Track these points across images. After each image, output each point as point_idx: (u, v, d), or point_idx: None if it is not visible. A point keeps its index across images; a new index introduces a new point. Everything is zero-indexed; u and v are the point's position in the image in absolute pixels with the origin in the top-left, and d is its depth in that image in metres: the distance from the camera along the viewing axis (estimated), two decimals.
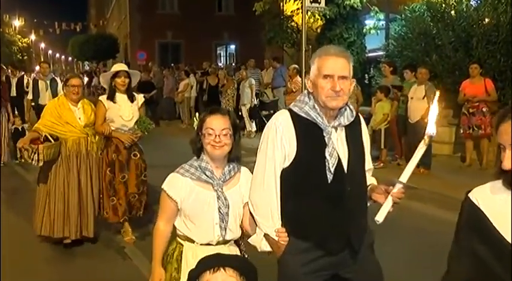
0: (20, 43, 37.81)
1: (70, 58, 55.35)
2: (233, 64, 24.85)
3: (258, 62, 16.25)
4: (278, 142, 2.26)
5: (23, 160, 4.82)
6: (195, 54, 22.75)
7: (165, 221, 2.44)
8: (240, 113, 12.48)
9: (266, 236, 2.31)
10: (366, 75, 14.07)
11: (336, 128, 2.28)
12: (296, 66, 11.07)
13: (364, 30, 13.32)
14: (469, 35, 9.17)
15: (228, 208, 2.38)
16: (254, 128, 12.42)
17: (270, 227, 2.30)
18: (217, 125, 2.35)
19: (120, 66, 5.27)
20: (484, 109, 7.98)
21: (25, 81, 11.25)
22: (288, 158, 2.26)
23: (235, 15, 25.76)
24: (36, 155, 4.58)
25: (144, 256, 4.54)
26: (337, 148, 2.26)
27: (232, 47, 28.27)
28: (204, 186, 2.38)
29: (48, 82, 9.49)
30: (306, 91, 2.36)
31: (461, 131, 8.28)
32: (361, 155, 2.38)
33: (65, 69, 49.76)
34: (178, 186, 2.38)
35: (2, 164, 8.77)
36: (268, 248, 2.33)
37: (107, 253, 4.97)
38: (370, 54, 14.01)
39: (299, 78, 10.55)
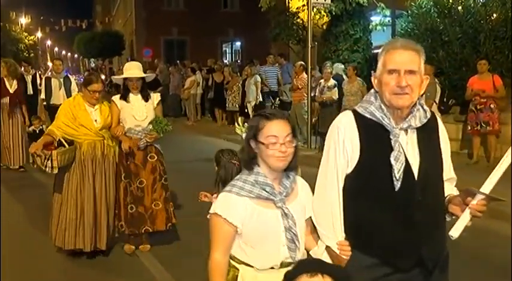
0: (26, 41, 37.95)
1: (76, 55, 55.51)
2: (238, 61, 24.86)
3: (264, 58, 16.24)
4: (341, 146, 2.05)
5: (35, 166, 4.50)
6: (200, 51, 22.76)
7: (223, 251, 2.04)
8: (245, 110, 12.47)
9: (328, 249, 2.10)
10: (372, 72, 14.01)
11: (405, 131, 2.04)
12: (302, 62, 11.03)
13: (370, 26, 13.24)
14: (476, 31, 9.10)
15: (295, 225, 2.07)
16: None
17: (332, 239, 2.09)
18: (280, 131, 2.02)
19: (132, 67, 4.89)
20: (492, 105, 7.92)
21: (38, 79, 10.79)
22: (351, 163, 2.05)
23: (241, 12, 25.72)
24: (49, 161, 4.29)
25: (163, 267, 4.43)
26: (406, 152, 2.02)
27: (238, 43, 28.25)
28: (265, 204, 2.04)
29: (61, 80, 8.96)
30: (372, 90, 2.14)
31: (469, 128, 8.23)
32: (436, 161, 2.11)
33: (70, 66, 49.90)
34: (236, 208, 2.01)
35: (22, 169, 8.53)
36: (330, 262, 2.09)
37: (122, 266, 4.59)
38: (376, 51, 13.93)
39: (305, 75, 10.51)
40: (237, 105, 12.82)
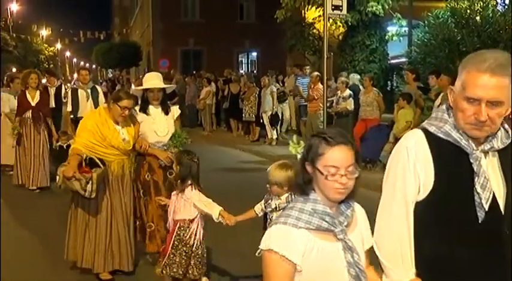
0: (46, 52, 38.64)
1: (94, 66, 56.30)
2: (254, 71, 24.94)
3: (280, 69, 16.28)
4: (411, 170, 1.82)
5: (61, 187, 4.12)
6: (216, 61, 22.88)
7: None
8: (261, 121, 12.49)
9: None
10: (388, 82, 13.96)
11: (485, 153, 1.81)
12: (318, 73, 11.02)
13: (387, 37, 13.22)
14: (495, 41, 9.03)
15: (360, 259, 1.82)
16: (275, 136, 12.40)
17: (400, 275, 1.86)
18: (342, 160, 1.75)
19: (152, 78, 4.67)
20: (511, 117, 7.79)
21: (63, 90, 10.23)
22: (423, 189, 1.81)
23: (257, 23, 25.84)
24: (90, 185, 3.96)
25: None
26: (489, 178, 1.78)
27: (254, 54, 28.36)
28: (325, 237, 1.78)
29: (88, 91, 8.20)
30: (444, 106, 1.88)
31: None
32: None
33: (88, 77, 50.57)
34: (295, 242, 1.74)
35: (38, 190, 7.71)
36: None
37: None
38: (393, 61, 13.90)
39: (321, 86, 10.48)
40: (253, 116, 12.84)
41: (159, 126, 4.52)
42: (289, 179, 3.34)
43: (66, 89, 10.07)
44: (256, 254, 1.80)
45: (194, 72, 20.18)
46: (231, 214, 3.78)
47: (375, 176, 5.23)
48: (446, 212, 1.80)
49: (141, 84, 4.85)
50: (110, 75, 37.86)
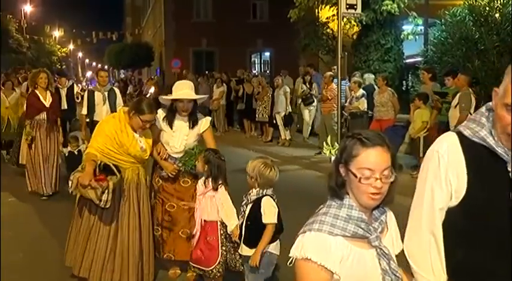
0: (59, 53, 39.06)
1: (106, 66, 56.77)
2: (267, 71, 24.93)
3: (293, 69, 16.26)
4: (442, 176, 1.76)
5: (73, 193, 3.95)
6: (229, 61, 22.94)
7: None
8: (274, 121, 12.48)
9: None
10: (404, 82, 13.85)
11: None
12: (331, 73, 10.99)
13: (402, 36, 13.12)
14: None
15: (396, 266, 1.80)
16: (289, 137, 12.40)
17: None
18: (378, 163, 1.69)
19: (183, 87, 4.31)
20: None
21: (75, 90, 10.12)
22: (455, 196, 1.76)
23: (270, 22, 25.84)
24: (106, 194, 3.81)
25: None
26: None
27: (267, 54, 28.37)
28: (360, 244, 1.74)
29: (106, 94, 7.81)
30: (483, 108, 1.81)
31: None
32: None
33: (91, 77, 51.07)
34: (331, 250, 1.69)
35: (45, 198, 7.32)
36: None
37: None
38: (408, 61, 13.79)
39: (334, 86, 10.46)
40: (266, 116, 12.85)
41: (176, 141, 4.31)
42: (256, 173, 3.46)
43: (79, 90, 9.99)
44: (288, 264, 1.74)
45: (206, 72, 20.24)
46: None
47: None
48: (480, 222, 1.74)
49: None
50: (122, 75, 38.16)
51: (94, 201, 3.83)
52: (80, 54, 56.64)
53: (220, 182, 3.91)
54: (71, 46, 44.59)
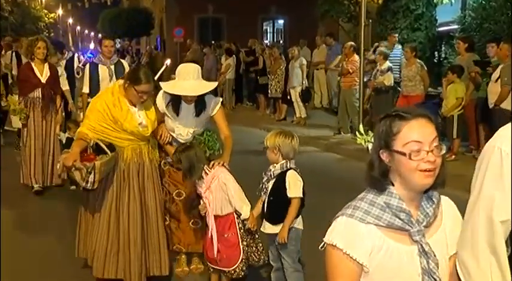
0: (46, 19, 39.03)
1: (100, 35, 56.66)
2: (281, 41, 24.82)
3: (310, 39, 16.19)
4: (506, 179, 1.63)
5: (62, 176, 3.97)
6: (238, 30, 22.82)
7: None
8: (288, 97, 12.49)
9: None
10: (436, 53, 13.74)
11: None
12: (352, 43, 10.95)
13: (435, 0, 12.97)
14: None
15: (438, 268, 1.72)
16: (305, 114, 12.42)
17: None
18: (425, 133, 1.67)
19: (187, 76, 4.21)
20: None
21: (75, 63, 9.45)
22: None
23: None
24: (92, 175, 3.75)
25: None
26: None
27: (281, 22, 28.18)
28: (397, 237, 1.72)
29: (112, 68, 7.07)
30: None
31: None
32: None
33: (93, 49, 51.14)
34: (362, 239, 1.70)
35: (38, 187, 7.01)
36: None
37: None
38: (442, 29, 13.63)
39: (357, 57, 10.43)
40: (279, 92, 12.87)
41: (182, 129, 4.34)
42: (278, 144, 3.70)
43: (79, 61, 9.41)
44: (320, 247, 1.80)
45: (213, 42, 20.22)
46: (253, 201, 3.91)
47: None
48: None
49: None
50: (118, 45, 38.05)
51: (80, 183, 3.79)
52: (71, 21, 56.54)
53: (202, 167, 3.92)
54: (60, 11, 44.56)
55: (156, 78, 5.04)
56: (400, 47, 11.21)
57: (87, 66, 7.36)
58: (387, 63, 9.79)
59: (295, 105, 12.44)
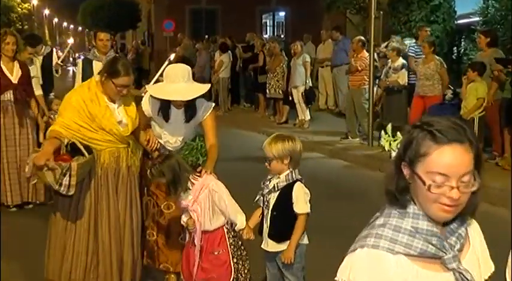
0: (19, 9, 38.93)
1: (80, 28, 56.72)
2: (282, 36, 24.87)
3: (314, 33, 16.21)
4: None
5: (34, 182, 3.95)
6: (235, 23, 22.88)
7: None
8: (290, 98, 12.51)
9: None
10: (455, 48, 13.78)
11: None
12: (361, 38, 10.95)
13: None
14: None
15: None
16: (308, 117, 12.42)
17: None
18: (455, 167, 1.55)
19: (176, 78, 4.21)
20: None
21: (54, 59, 9.27)
22: None
23: None
24: (67, 177, 3.70)
25: None
26: None
27: (282, 14, 28.26)
28: (429, 265, 1.63)
29: None
30: None
31: None
32: None
33: (74, 43, 51.15)
34: (389, 273, 1.59)
35: (13, 209, 6.73)
36: None
37: None
38: (462, 21, 13.69)
39: (366, 54, 10.43)
40: (280, 92, 12.87)
41: (170, 137, 4.39)
42: (289, 152, 3.59)
43: (58, 61, 9.25)
44: None
45: (207, 36, 20.24)
46: (250, 212, 3.88)
47: None
48: None
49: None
50: None
51: (53, 186, 3.72)
52: (47, 12, 56.54)
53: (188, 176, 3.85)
54: (35, 1, 44.59)
55: (157, 77, 5.00)
56: None
57: (80, 62, 7.14)
58: (401, 60, 9.80)
59: (297, 106, 12.44)
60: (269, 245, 3.75)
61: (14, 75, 6.66)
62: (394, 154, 1.39)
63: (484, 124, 8.39)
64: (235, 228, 3.87)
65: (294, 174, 3.67)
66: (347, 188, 7.74)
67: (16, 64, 6.73)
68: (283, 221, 3.68)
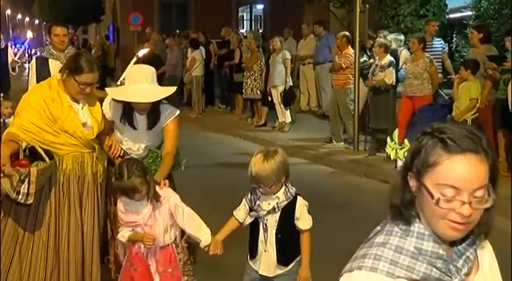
0: None
1: (37, 21, 56.06)
2: (260, 31, 24.90)
3: (294, 28, 16.29)
4: None
5: None
6: (208, 17, 22.87)
7: None
8: (269, 98, 12.56)
9: None
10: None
11: None
12: (346, 33, 11.02)
13: None
14: None
15: None
16: (289, 119, 12.48)
17: None
18: (468, 180, 1.51)
19: (139, 79, 4.22)
20: None
21: (10, 56, 9.20)
22: None
23: None
24: (26, 184, 3.63)
25: None
26: None
27: (259, 7, 28.30)
28: None
29: None
30: None
31: None
32: None
33: (32, 38, 50.62)
34: None
35: None
36: None
37: None
38: (453, 16, 13.86)
39: (351, 50, 10.51)
40: (258, 92, 12.91)
41: (132, 144, 4.46)
42: (283, 169, 3.53)
43: (14, 57, 9.12)
44: None
45: (178, 31, 20.22)
46: (223, 221, 3.86)
47: None
48: None
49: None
50: None
51: (10, 194, 3.64)
52: None
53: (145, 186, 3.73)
54: None
55: (123, 76, 4.92)
56: (440, 39, 11.28)
57: (34, 61, 6.87)
58: (388, 57, 9.88)
59: (277, 108, 12.48)
60: (274, 270, 3.66)
61: None
62: (400, 163, 1.39)
63: (477, 126, 8.49)
64: (200, 244, 3.86)
65: (290, 189, 3.64)
66: (332, 196, 7.78)
67: None
68: (290, 242, 3.66)
